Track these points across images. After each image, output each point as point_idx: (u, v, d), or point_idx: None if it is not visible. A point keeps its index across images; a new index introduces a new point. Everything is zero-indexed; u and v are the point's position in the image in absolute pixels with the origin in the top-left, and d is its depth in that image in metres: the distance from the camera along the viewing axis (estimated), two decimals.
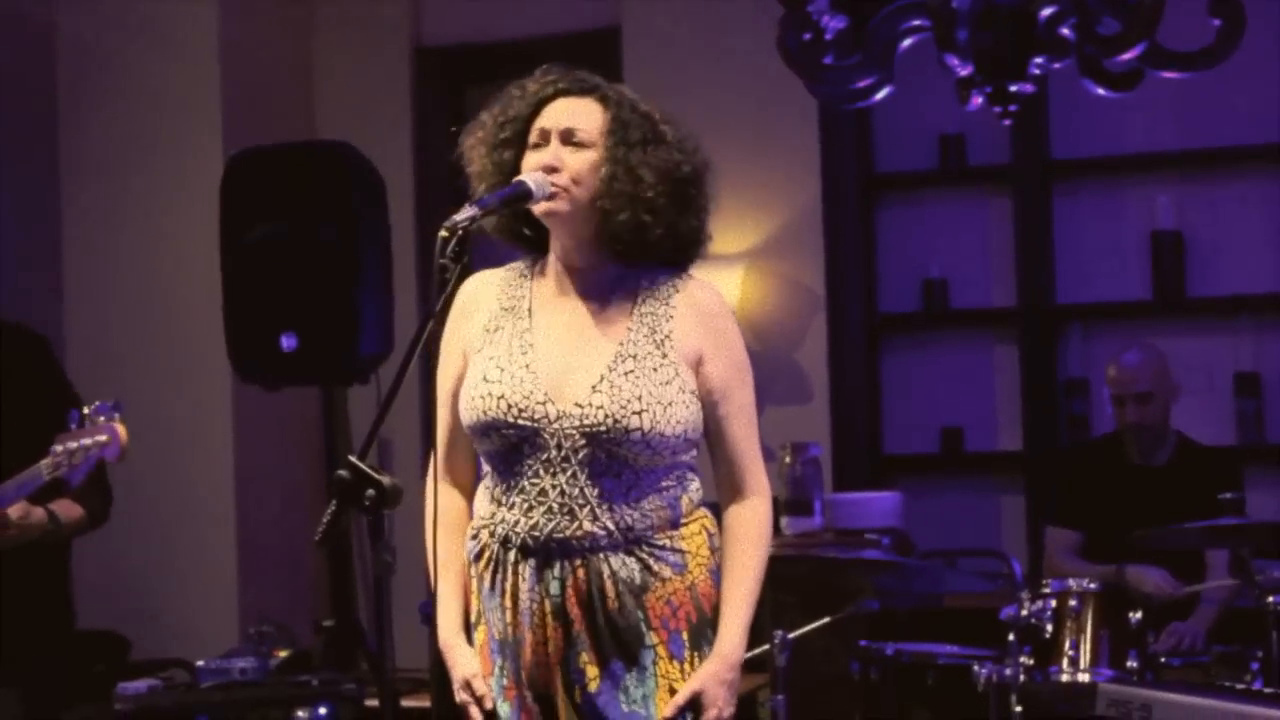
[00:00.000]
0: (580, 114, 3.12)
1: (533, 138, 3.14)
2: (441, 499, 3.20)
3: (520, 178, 3.10)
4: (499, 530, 3.11)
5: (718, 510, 3.22)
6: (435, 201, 7.17)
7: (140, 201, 6.82)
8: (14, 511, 4.12)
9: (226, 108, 6.77)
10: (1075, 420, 6.75)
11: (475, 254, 3.20)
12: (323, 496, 6.66)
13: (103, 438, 3.98)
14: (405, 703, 3.68)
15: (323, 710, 5.01)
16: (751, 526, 3.17)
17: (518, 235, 3.24)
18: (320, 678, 5.15)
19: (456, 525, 3.22)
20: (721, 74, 6.66)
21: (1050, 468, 6.60)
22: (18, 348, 4.42)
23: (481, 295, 3.23)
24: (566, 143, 3.11)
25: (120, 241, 6.86)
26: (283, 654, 5.33)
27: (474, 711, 3.14)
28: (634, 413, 3.02)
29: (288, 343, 5.24)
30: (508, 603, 3.10)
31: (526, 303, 3.19)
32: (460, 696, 3.16)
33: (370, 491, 2.72)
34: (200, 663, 5.22)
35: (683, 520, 3.12)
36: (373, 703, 5.06)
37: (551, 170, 3.09)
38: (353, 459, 2.74)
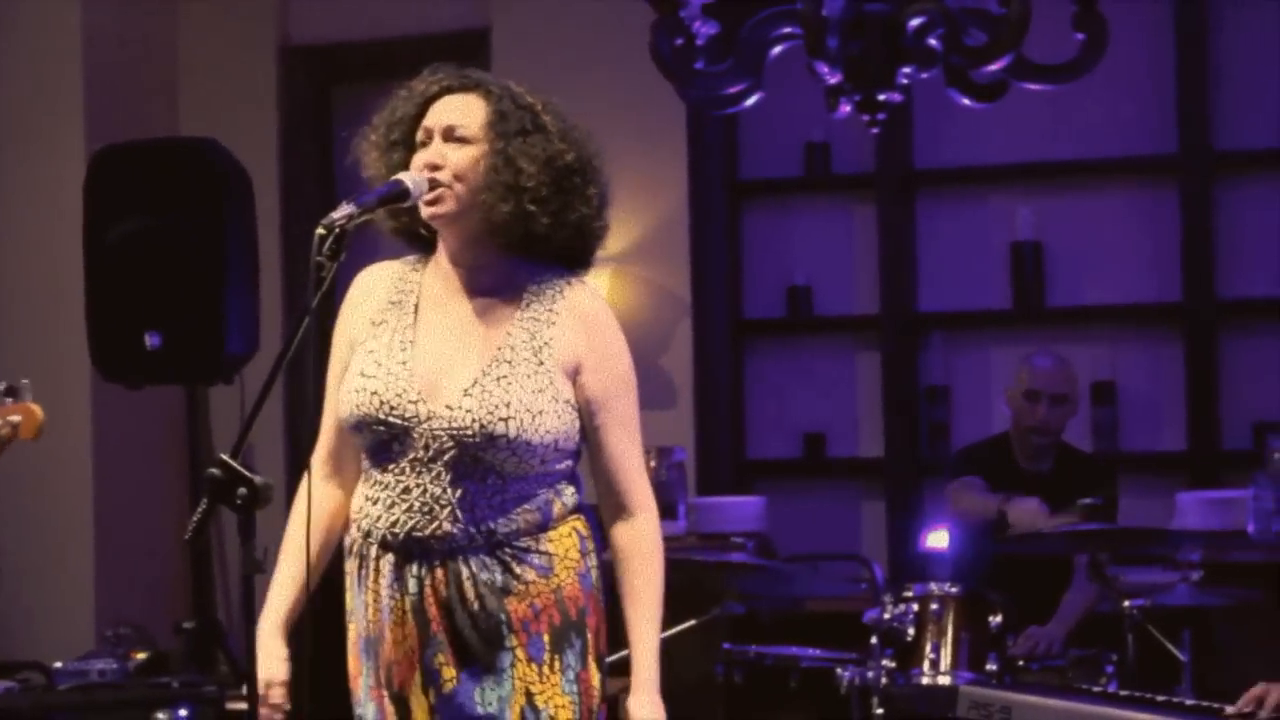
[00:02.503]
0: (461, 110, 3.10)
1: (419, 136, 3.12)
2: (316, 494, 3.16)
3: (398, 176, 3.08)
4: (364, 525, 3.09)
5: (597, 514, 3.19)
6: (301, 200, 7.13)
7: (0, 197, 6.72)
8: None
9: (89, 103, 6.69)
10: (935, 427, 6.84)
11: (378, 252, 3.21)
12: (183, 496, 6.61)
13: (15, 418, 3.90)
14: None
15: (183, 712, 4.96)
16: (642, 545, 3.13)
17: (413, 235, 3.21)
18: (180, 679, 5.09)
19: (321, 521, 3.16)
20: (590, 77, 6.65)
21: (910, 474, 6.69)
22: None
23: (372, 287, 3.21)
24: (449, 139, 3.09)
25: None
26: (141, 656, 5.27)
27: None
28: (501, 419, 3.00)
29: (152, 341, 5.19)
30: (370, 598, 3.09)
31: (414, 298, 3.17)
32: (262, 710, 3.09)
33: (242, 490, 2.70)
34: (58, 664, 5.16)
35: (552, 524, 3.09)
36: (235, 705, 5.02)
37: (434, 168, 3.07)
38: (224, 457, 2.72)
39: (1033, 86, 4.52)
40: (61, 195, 6.14)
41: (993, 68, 4.34)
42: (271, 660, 3.10)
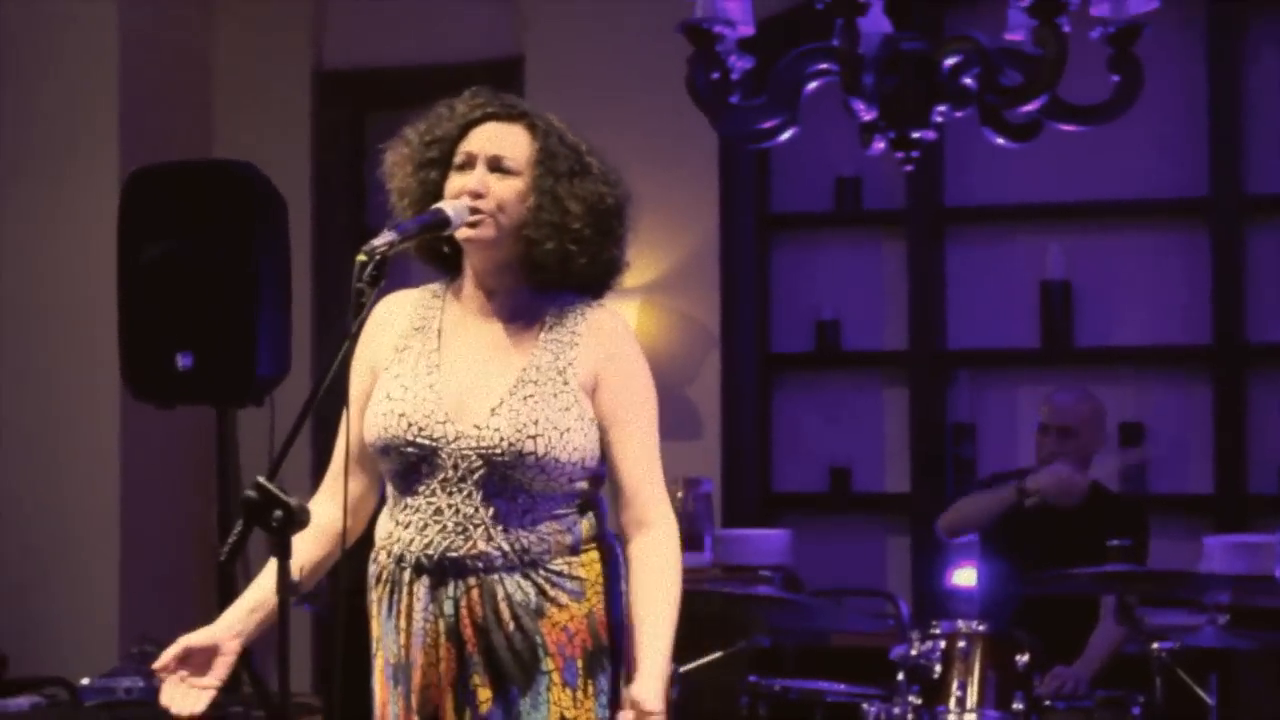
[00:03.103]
0: (508, 141, 3.12)
1: (458, 159, 3.14)
2: (320, 509, 3.16)
3: (439, 205, 3.10)
4: (395, 549, 3.10)
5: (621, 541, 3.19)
6: (333, 224, 7.16)
7: (34, 218, 6.77)
8: None
9: (123, 126, 6.73)
10: (962, 463, 6.84)
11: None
12: (210, 516, 6.63)
13: None
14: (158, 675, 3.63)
15: None
16: (658, 558, 3.10)
17: (436, 254, 3.23)
18: None
19: (316, 533, 3.09)
20: (623, 108, 6.69)
21: (935, 510, 6.65)
22: None
23: (393, 315, 3.23)
24: (493, 169, 3.11)
25: (13, 257, 6.80)
26: None
27: (163, 675, 3.06)
28: (529, 437, 3.02)
29: (183, 361, 5.20)
30: (402, 623, 3.10)
31: (437, 323, 3.19)
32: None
33: (278, 513, 2.72)
34: (84, 681, 5.18)
35: (582, 547, 3.11)
36: None
37: (477, 196, 3.09)
38: (261, 480, 2.74)
39: (1067, 127, 4.51)
40: (96, 216, 6.18)
41: (1028, 108, 4.33)
42: (208, 630, 3.11)
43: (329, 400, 2.94)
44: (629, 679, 3.07)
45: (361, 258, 2.89)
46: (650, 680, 3.01)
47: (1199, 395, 6.66)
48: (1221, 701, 4.62)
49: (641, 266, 6.77)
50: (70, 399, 6.69)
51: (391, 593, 3.12)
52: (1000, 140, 4.64)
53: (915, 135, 4.47)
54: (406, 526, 3.09)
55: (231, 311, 5.24)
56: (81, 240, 6.56)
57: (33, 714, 5.04)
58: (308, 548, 3.12)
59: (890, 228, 7.02)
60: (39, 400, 6.68)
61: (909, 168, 4.57)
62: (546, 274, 3.14)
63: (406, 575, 3.09)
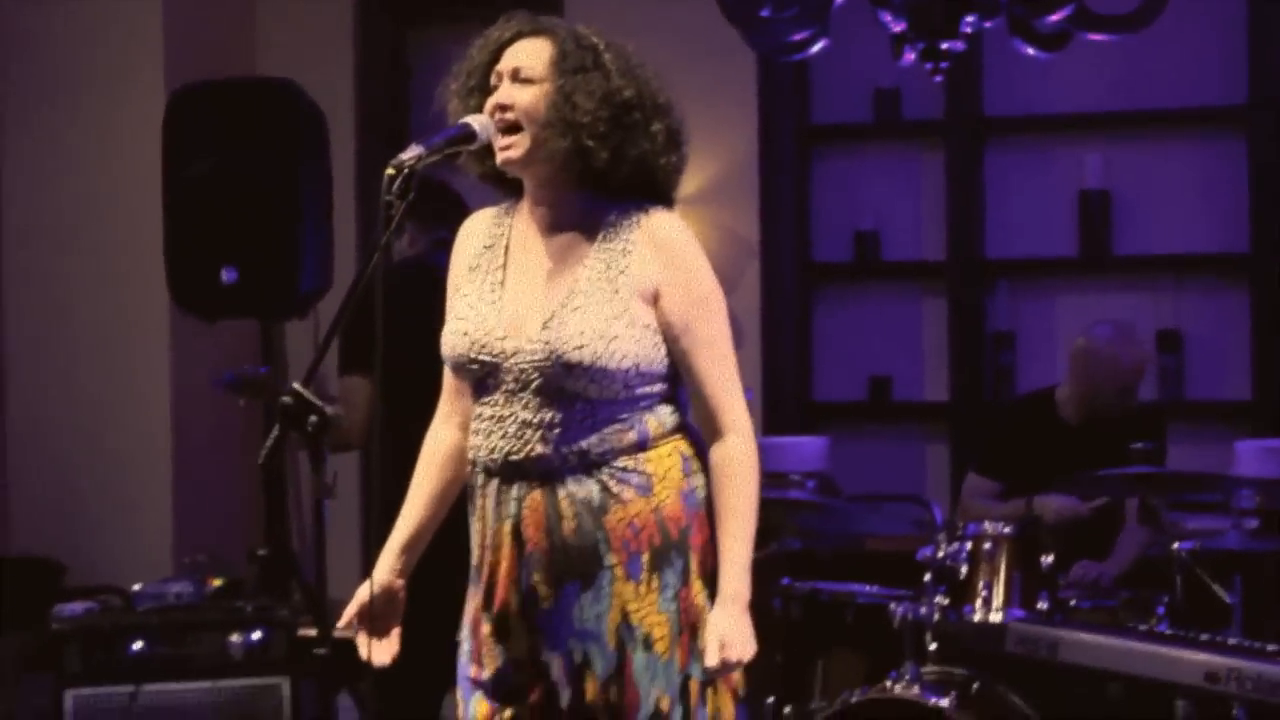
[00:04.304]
0: (528, 52, 3.18)
1: (493, 81, 3.20)
2: (435, 433, 3.35)
3: (464, 120, 3.17)
4: (470, 455, 3.21)
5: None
6: (376, 140, 7.22)
7: (81, 135, 6.83)
8: None
9: (168, 43, 6.77)
10: (1001, 372, 6.88)
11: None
12: (258, 428, 6.74)
13: None
14: (339, 632, 3.74)
15: (256, 635, 5.10)
16: (731, 466, 3.16)
17: (500, 179, 3.29)
18: (254, 604, 5.23)
19: (439, 459, 3.32)
20: (662, 22, 6.69)
21: (975, 418, 6.74)
22: None
23: (469, 235, 3.32)
24: (515, 80, 3.17)
25: (61, 174, 6.87)
26: (217, 582, 5.40)
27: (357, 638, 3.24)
28: (575, 348, 3.08)
29: (228, 276, 5.30)
30: (479, 526, 3.20)
31: (505, 241, 3.27)
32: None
33: (313, 418, 2.81)
34: (136, 587, 5.30)
35: (651, 443, 3.15)
36: (306, 631, 5.17)
37: (503, 108, 3.16)
38: (297, 386, 2.84)
39: (1096, 36, 4.55)
40: (141, 133, 6.25)
41: (1054, 18, 4.38)
42: (366, 584, 3.22)
43: (366, 322, 3.02)
44: (708, 582, 3.16)
45: (390, 172, 2.99)
46: (727, 606, 3.12)
47: (1237, 302, 6.67)
48: (1245, 603, 4.69)
49: (682, 179, 6.83)
50: (120, 314, 6.78)
51: (471, 497, 3.23)
52: (1030, 50, 4.68)
53: (944, 46, 4.54)
54: (478, 434, 3.19)
55: (274, 226, 5.34)
56: (129, 158, 6.62)
57: (87, 618, 5.15)
58: (438, 475, 3.31)
59: (929, 138, 7.02)
60: (90, 316, 6.78)
61: (939, 78, 4.63)
62: (573, 174, 3.18)
63: (479, 479, 3.20)
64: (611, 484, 3.12)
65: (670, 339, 3.15)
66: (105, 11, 6.84)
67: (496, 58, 3.21)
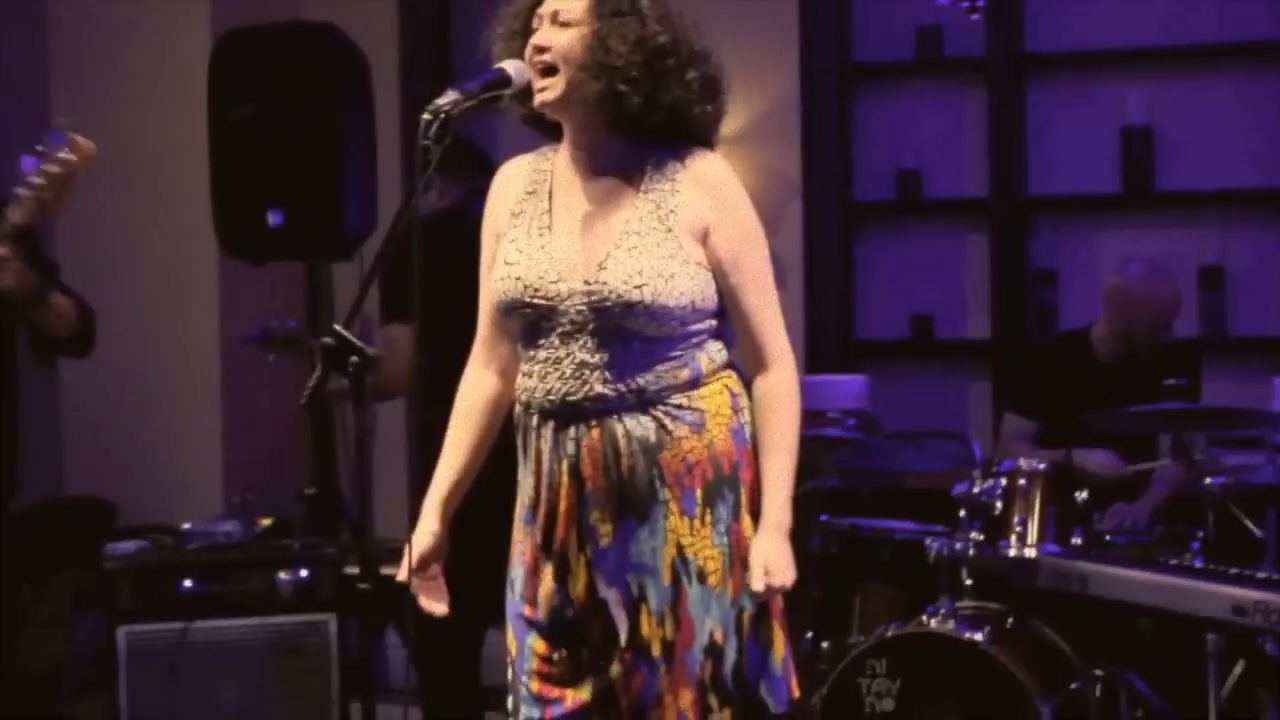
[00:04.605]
0: None
1: (534, 24, 3.23)
2: (472, 381, 3.38)
3: (499, 64, 3.22)
4: (524, 398, 3.25)
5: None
6: (419, 83, 7.23)
7: (128, 80, 6.86)
8: None
9: None
10: (1043, 310, 6.89)
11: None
12: (305, 370, 6.81)
13: (69, 155, 3.98)
14: (385, 570, 3.79)
15: (303, 573, 5.17)
16: (774, 397, 3.23)
17: (541, 121, 3.32)
18: (301, 542, 5.32)
19: (478, 406, 3.37)
20: None
21: (1016, 356, 6.76)
22: None
23: (509, 181, 3.35)
24: (554, 23, 3.20)
25: (109, 120, 6.88)
26: (266, 521, 5.48)
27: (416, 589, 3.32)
28: (635, 287, 3.12)
29: (274, 218, 5.36)
30: (532, 466, 3.25)
31: (547, 185, 3.30)
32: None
33: (353, 358, 2.88)
34: (186, 526, 5.39)
35: (703, 380, 3.21)
36: (351, 568, 5.25)
37: (541, 50, 3.19)
38: (337, 327, 2.90)
39: None
40: (187, 78, 6.29)
41: None
42: (418, 534, 3.30)
43: (405, 270, 3.06)
44: (756, 516, 3.22)
45: (426, 116, 3.04)
46: (768, 535, 3.17)
47: (1279, 238, 6.68)
48: (1278, 537, 4.73)
49: (720, 126, 6.85)
50: (168, 258, 6.85)
51: (524, 439, 3.28)
52: None
53: None
54: (530, 376, 3.23)
55: (319, 169, 5.40)
56: (176, 103, 6.67)
57: (138, 555, 5.23)
58: (478, 421, 3.36)
59: (971, 75, 7.02)
60: (139, 261, 6.85)
61: (975, 16, 4.64)
62: (608, 118, 3.21)
63: (534, 421, 3.24)
64: (667, 421, 3.17)
65: (719, 275, 3.20)
66: None
67: (539, 1, 3.24)
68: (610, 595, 3.21)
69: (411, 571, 3.29)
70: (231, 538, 5.30)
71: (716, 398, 3.22)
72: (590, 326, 3.16)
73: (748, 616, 3.21)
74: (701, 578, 3.18)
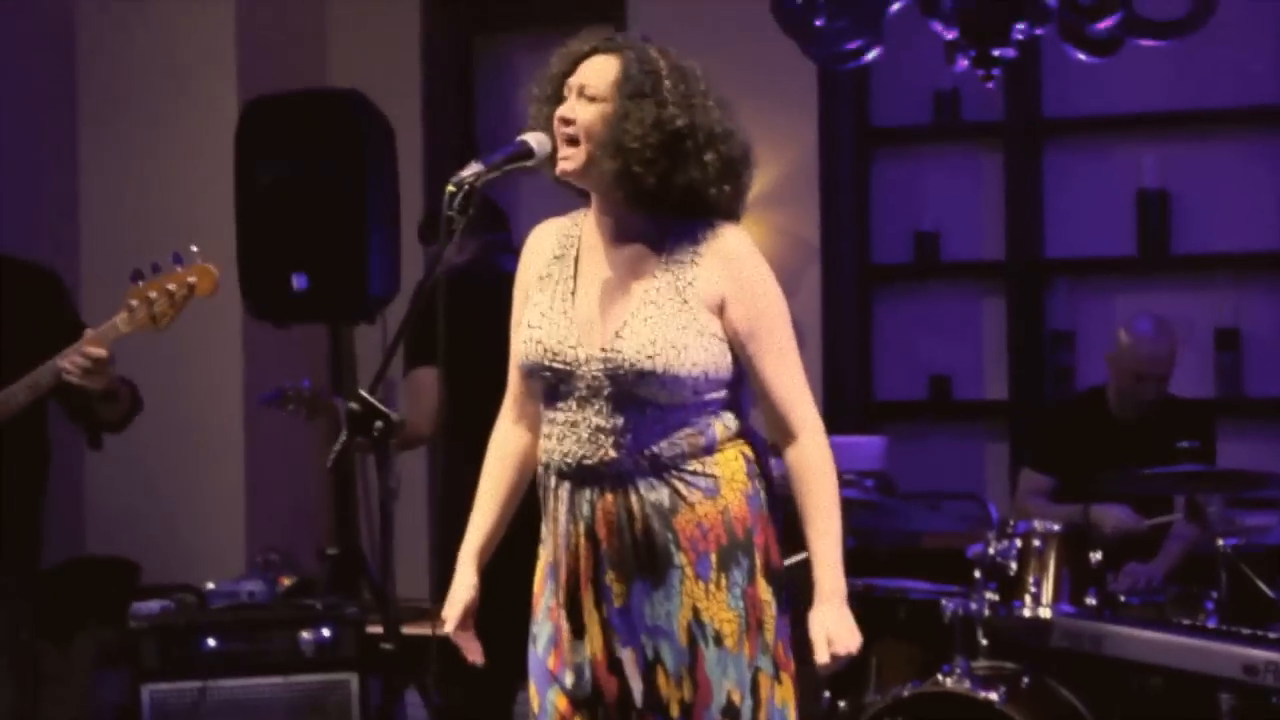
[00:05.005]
0: (597, 70, 3.26)
1: (565, 93, 3.29)
2: (503, 435, 3.46)
3: (522, 136, 3.29)
4: (543, 458, 3.32)
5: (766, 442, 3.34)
6: (443, 147, 7.34)
7: (157, 146, 6.96)
8: (97, 348, 4.15)
9: (241, 56, 6.91)
10: (1060, 372, 6.93)
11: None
12: (329, 431, 6.86)
13: (192, 279, 4.10)
14: (406, 630, 3.87)
15: (326, 632, 5.22)
16: (809, 465, 3.26)
17: (571, 185, 3.38)
18: (324, 601, 5.37)
19: (509, 458, 3.44)
20: (724, 28, 6.77)
21: (1034, 417, 6.79)
22: (29, 284, 4.54)
23: (540, 244, 3.42)
24: (581, 96, 3.26)
25: (137, 184, 6.99)
26: (288, 581, 5.52)
27: (459, 641, 3.41)
28: (647, 356, 3.18)
29: (299, 282, 5.42)
30: (553, 526, 3.31)
31: (574, 251, 3.36)
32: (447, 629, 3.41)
33: (378, 423, 2.94)
34: (210, 586, 5.44)
35: (718, 447, 3.25)
36: (375, 629, 5.29)
37: (567, 122, 3.26)
38: (362, 393, 2.97)
39: (1146, 42, 4.63)
40: (214, 144, 6.38)
41: (1104, 24, 4.46)
42: (458, 587, 3.38)
43: (429, 322, 3.14)
44: (771, 575, 3.27)
45: (451, 188, 3.14)
46: (825, 605, 3.23)
47: None
48: None
49: (744, 201, 6.89)
50: (194, 320, 6.87)
51: (544, 498, 3.33)
52: (1081, 55, 4.76)
53: (996, 53, 4.62)
54: (550, 438, 3.29)
55: (343, 234, 5.47)
56: (203, 167, 6.74)
57: (163, 615, 5.27)
58: (507, 475, 3.43)
59: (988, 139, 7.08)
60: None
61: (991, 85, 4.71)
62: (625, 195, 3.26)
63: (553, 481, 3.30)
64: (681, 487, 3.22)
65: (737, 346, 3.25)
66: (180, 24, 6.97)
67: (571, 70, 3.30)
68: (626, 655, 3.26)
69: (458, 623, 3.38)
70: (255, 597, 5.35)
71: (731, 464, 3.26)
72: (606, 392, 3.21)
73: (765, 678, 3.25)
74: (718, 640, 3.23)
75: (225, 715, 5.17)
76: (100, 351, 4.15)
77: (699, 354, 3.20)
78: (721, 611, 3.23)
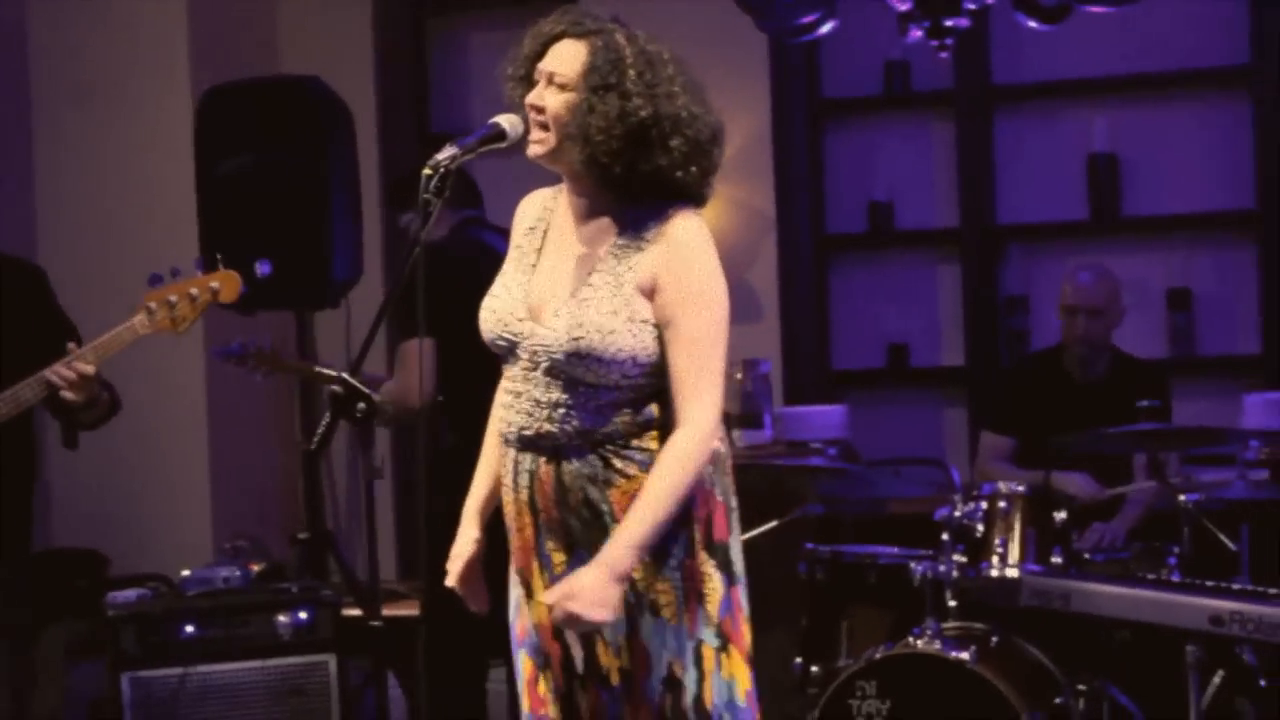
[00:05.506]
0: (566, 58, 3.30)
1: (535, 76, 3.34)
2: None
3: (494, 120, 3.35)
4: (497, 426, 3.40)
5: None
6: (398, 131, 7.35)
7: (112, 137, 6.95)
8: (86, 366, 4.22)
9: (194, 43, 6.88)
10: (1015, 336, 7.00)
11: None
12: (291, 415, 6.90)
13: (215, 284, 4.15)
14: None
15: (303, 615, 5.26)
16: (668, 454, 3.24)
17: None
18: (300, 585, 5.41)
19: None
20: (676, 3, 6.81)
21: (991, 381, 6.88)
22: (17, 281, 4.59)
23: (522, 214, 3.49)
24: (549, 84, 3.31)
25: (93, 176, 6.97)
26: (257, 567, 5.55)
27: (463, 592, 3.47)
28: (574, 338, 3.24)
29: (262, 269, 5.44)
30: (505, 494, 3.38)
31: (545, 225, 3.43)
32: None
33: (361, 405, 2.99)
34: (185, 573, 5.46)
35: (655, 425, 3.29)
36: (350, 611, 5.34)
37: (536, 109, 3.31)
38: (345, 375, 3.02)
39: (1096, 9, 4.69)
40: (170, 132, 6.40)
41: None
42: (461, 541, 3.45)
43: (412, 308, 3.20)
44: (714, 548, 3.30)
45: (427, 171, 3.20)
46: (596, 570, 3.20)
47: (1244, 258, 6.79)
48: (1253, 551, 4.86)
49: (713, 179, 6.92)
50: None
51: (503, 464, 3.39)
52: (1032, 23, 4.82)
53: (949, 23, 4.68)
54: (501, 406, 3.38)
55: (306, 219, 5.51)
56: (160, 157, 6.74)
57: (140, 604, 5.31)
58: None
59: (939, 108, 7.15)
60: (127, 309, 6.92)
61: (945, 55, 4.77)
62: (593, 182, 3.32)
63: (503, 449, 3.38)
64: (615, 461, 3.27)
65: (660, 332, 3.28)
66: (132, 16, 6.96)
67: (542, 53, 3.34)
68: None
69: (463, 575, 3.44)
70: (231, 583, 5.38)
71: (667, 438, 3.29)
72: (543, 367, 3.28)
73: (709, 650, 3.29)
74: (655, 610, 3.28)
75: (205, 701, 5.21)
76: (88, 368, 4.24)
77: (626, 339, 3.24)
78: (657, 582, 3.27)
